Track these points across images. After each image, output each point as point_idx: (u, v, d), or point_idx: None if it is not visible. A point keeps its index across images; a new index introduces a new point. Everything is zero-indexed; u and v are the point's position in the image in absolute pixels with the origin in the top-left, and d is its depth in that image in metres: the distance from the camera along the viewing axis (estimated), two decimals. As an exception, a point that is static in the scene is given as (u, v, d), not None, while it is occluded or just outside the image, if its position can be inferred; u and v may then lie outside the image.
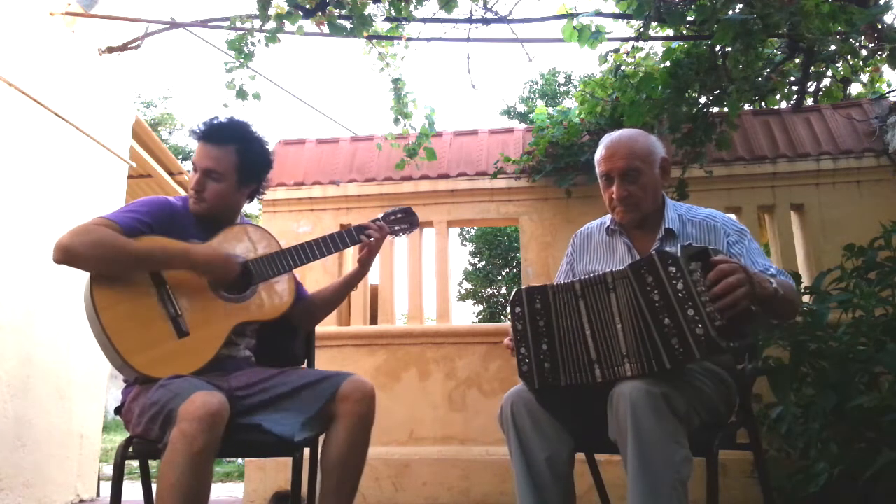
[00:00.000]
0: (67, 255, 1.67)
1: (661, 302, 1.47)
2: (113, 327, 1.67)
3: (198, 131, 1.88)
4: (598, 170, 1.88)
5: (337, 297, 2.10)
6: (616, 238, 1.91)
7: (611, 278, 1.53)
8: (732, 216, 3.67)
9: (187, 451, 1.45)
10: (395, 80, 3.79)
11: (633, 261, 1.82)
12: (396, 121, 3.82)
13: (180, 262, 1.77)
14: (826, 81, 4.74)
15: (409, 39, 3.70)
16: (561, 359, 1.56)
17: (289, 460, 1.71)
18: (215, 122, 1.90)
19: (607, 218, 1.95)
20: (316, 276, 3.69)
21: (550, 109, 4.08)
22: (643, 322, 1.48)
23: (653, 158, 1.83)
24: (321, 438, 1.80)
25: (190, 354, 1.73)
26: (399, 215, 2.12)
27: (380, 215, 2.09)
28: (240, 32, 3.46)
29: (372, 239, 2.01)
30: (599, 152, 1.87)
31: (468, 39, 3.63)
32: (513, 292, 1.65)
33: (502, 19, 3.54)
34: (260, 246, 1.94)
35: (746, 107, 4.00)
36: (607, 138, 1.88)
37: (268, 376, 1.79)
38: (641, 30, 3.47)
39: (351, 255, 3.87)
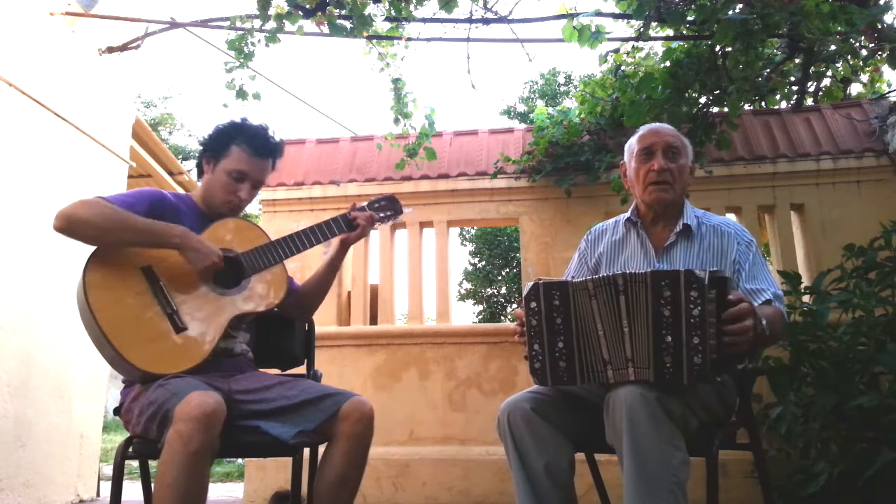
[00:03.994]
0: (69, 222, 1.68)
1: (671, 319, 1.46)
2: (110, 326, 1.67)
3: (263, 147, 1.93)
4: (636, 147, 1.89)
5: (324, 282, 2.10)
6: (631, 232, 1.92)
7: (622, 280, 1.50)
8: (732, 215, 3.73)
9: (183, 451, 1.45)
10: (395, 80, 3.79)
11: (644, 257, 1.84)
12: (396, 121, 3.82)
13: (174, 239, 1.76)
14: (826, 81, 4.74)
15: (409, 39, 3.70)
16: (578, 358, 1.55)
17: (289, 460, 1.71)
18: (269, 136, 1.96)
19: (624, 215, 1.97)
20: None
21: (550, 109, 4.07)
22: (644, 331, 1.48)
23: (688, 152, 1.92)
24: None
25: (188, 349, 1.73)
26: (383, 203, 2.14)
27: (364, 203, 2.11)
28: (240, 32, 3.46)
29: (360, 224, 2.03)
30: (639, 133, 1.92)
31: (468, 39, 3.63)
32: (528, 285, 1.59)
33: (502, 19, 3.54)
34: (250, 238, 1.94)
35: (746, 107, 4.00)
36: (647, 125, 1.95)
37: (269, 385, 1.79)
38: (641, 30, 3.47)
39: (352, 250, 3.86)
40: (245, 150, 1.91)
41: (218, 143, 1.93)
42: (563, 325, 1.55)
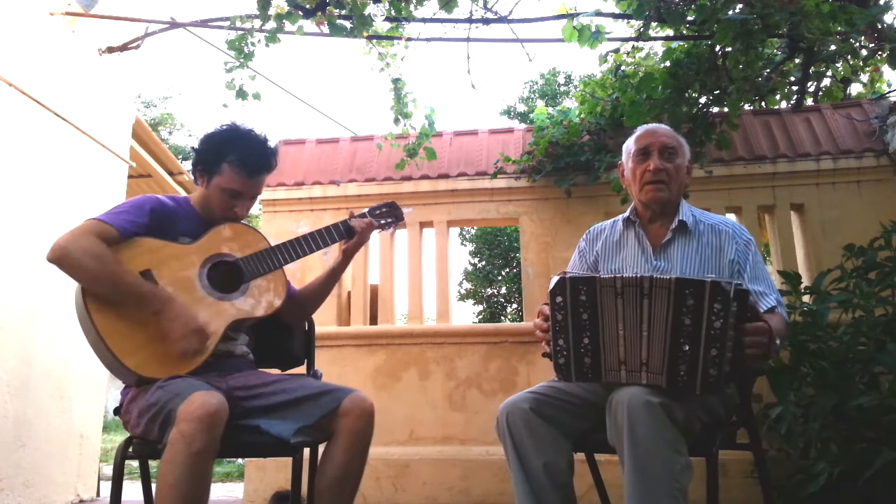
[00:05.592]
0: (61, 258, 1.67)
1: (691, 329, 1.45)
2: (107, 330, 1.67)
3: (256, 166, 1.88)
4: (633, 147, 1.90)
5: (323, 289, 2.09)
6: (629, 231, 1.92)
7: (648, 284, 1.50)
8: (732, 215, 3.73)
9: (186, 452, 1.45)
10: (395, 80, 3.79)
11: (642, 255, 1.84)
12: (396, 121, 3.81)
13: (155, 305, 1.72)
14: (826, 81, 4.74)
15: (409, 39, 3.70)
16: (603, 354, 1.54)
17: (289, 460, 1.71)
18: (262, 151, 1.90)
19: (622, 215, 1.98)
20: (316, 275, 3.69)
21: (550, 109, 4.07)
22: (661, 336, 1.48)
23: (685, 151, 1.92)
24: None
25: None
26: (384, 210, 2.14)
27: (365, 210, 2.11)
28: (240, 32, 3.46)
29: (359, 232, 2.02)
30: (636, 133, 1.93)
31: (468, 39, 3.63)
32: (554, 279, 1.57)
33: (502, 19, 3.54)
34: (249, 243, 1.94)
35: (746, 107, 4.00)
36: (644, 126, 1.96)
37: (268, 381, 1.79)
38: (641, 30, 3.47)
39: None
40: (237, 170, 1.86)
41: (208, 159, 1.89)
42: (590, 321, 1.54)
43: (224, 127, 1.93)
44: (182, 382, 1.61)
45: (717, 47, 3.27)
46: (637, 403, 1.45)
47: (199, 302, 1.80)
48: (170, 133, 19.28)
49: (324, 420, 1.72)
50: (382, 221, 2.12)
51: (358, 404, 1.73)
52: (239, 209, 1.93)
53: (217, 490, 4.68)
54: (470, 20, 3.56)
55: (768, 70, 3.96)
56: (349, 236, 2.02)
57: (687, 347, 1.45)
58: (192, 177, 1.97)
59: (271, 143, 1.94)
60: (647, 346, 1.50)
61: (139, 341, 1.70)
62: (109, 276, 1.70)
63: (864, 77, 4.64)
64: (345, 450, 1.70)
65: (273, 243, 1.98)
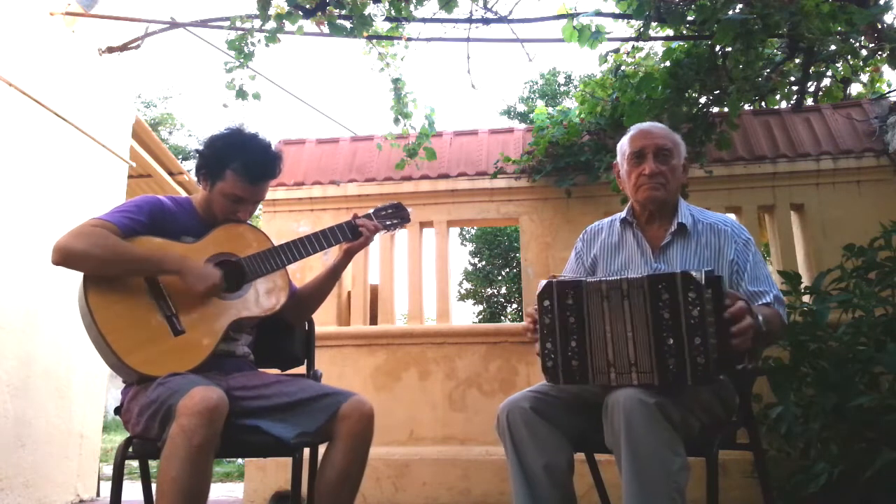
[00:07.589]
0: (66, 256, 1.68)
1: (671, 322, 1.46)
2: (108, 328, 1.67)
3: (260, 174, 1.88)
4: (628, 150, 1.88)
5: (324, 288, 2.08)
6: (627, 232, 1.91)
7: (626, 285, 1.51)
8: (732, 215, 3.73)
9: (187, 446, 1.46)
10: (395, 80, 3.79)
11: (642, 257, 1.84)
12: (396, 121, 3.82)
13: (173, 266, 1.76)
14: (826, 81, 4.75)
15: (409, 39, 3.71)
16: (590, 357, 1.55)
17: (289, 460, 1.71)
18: (265, 159, 1.90)
19: (619, 214, 1.96)
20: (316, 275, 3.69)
21: (550, 109, 4.08)
22: (645, 335, 1.49)
23: (680, 150, 1.90)
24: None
25: (186, 352, 1.73)
26: (390, 210, 2.11)
27: (370, 211, 2.09)
28: (240, 32, 3.46)
29: (364, 234, 2.00)
30: (630, 134, 1.90)
31: (468, 39, 3.63)
32: (542, 283, 1.59)
33: (502, 19, 3.54)
34: (252, 243, 1.94)
35: (746, 107, 4.00)
36: (638, 125, 1.93)
37: (267, 382, 1.79)
38: (641, 30, 3.47)
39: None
40: (241, 177, 1.86)
41: (212, 163, 1.88)
42: (576, 325, 1.55)
43: (228, 131, 1.92)
44: (182, 379, 1.61)
45: (717, 47, 3.27)
46: (632, 405, 1.45)
47: (201, 301, 1.80)
48: (170, 133, 19.29)
49: (324, 425, 1.72)
50: (388, 222, 2.09)
51: (357, 408, 1.73)
52: (242, 214, 1.93)
53: (217, 490, 4.68)
54: (470, 20, 3.56)
55: (768, 70, 3.96)
56: (353, 237, 2.01)
57: (671, 341, 1.46)
58: (193, 177, 1.96)
59: (275, 149, 1.94)
60: (633, 346, 1.50)
61: (140, 339, 1.70)
62: (119, 255, 1.71)
63: (864, 77, 4.65)
64: (344, 453, 1.70)
65: (276, 243, 1.98)
